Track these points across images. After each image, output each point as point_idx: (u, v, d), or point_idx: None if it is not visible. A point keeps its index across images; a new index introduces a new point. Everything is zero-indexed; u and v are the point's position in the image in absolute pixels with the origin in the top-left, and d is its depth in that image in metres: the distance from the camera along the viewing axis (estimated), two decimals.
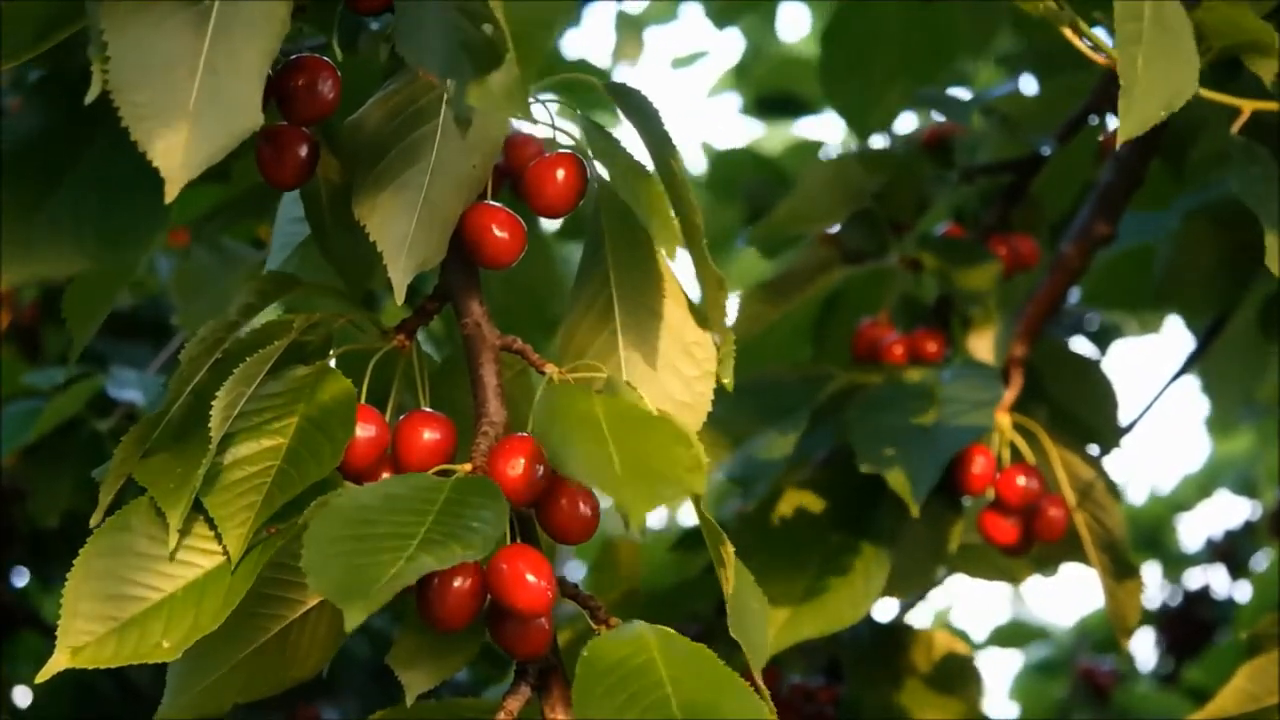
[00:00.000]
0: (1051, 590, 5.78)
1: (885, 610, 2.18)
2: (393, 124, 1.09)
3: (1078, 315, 2.87)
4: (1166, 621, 3.79)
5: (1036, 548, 1.78)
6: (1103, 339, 3.04)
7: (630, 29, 3.87)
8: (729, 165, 2.85)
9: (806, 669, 2.03)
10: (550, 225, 2.44)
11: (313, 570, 0.91)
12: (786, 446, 1.78)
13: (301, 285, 1.16)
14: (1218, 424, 4.24)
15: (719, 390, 1.14)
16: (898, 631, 2.00)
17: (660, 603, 2.04)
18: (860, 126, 2.45)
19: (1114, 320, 3.10)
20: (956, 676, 1.97)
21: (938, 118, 2.30)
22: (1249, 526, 3.93)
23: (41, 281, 1.03)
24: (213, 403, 1.02)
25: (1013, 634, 4.21)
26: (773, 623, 1.62)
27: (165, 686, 1.07)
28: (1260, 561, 3.84)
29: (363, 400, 1.07)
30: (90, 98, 0.90)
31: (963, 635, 3.94)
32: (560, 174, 1.13)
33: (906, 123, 2.75)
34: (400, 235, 1.06)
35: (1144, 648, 3.91)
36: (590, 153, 1.13)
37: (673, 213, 1.08)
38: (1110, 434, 1.99)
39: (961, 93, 2.47)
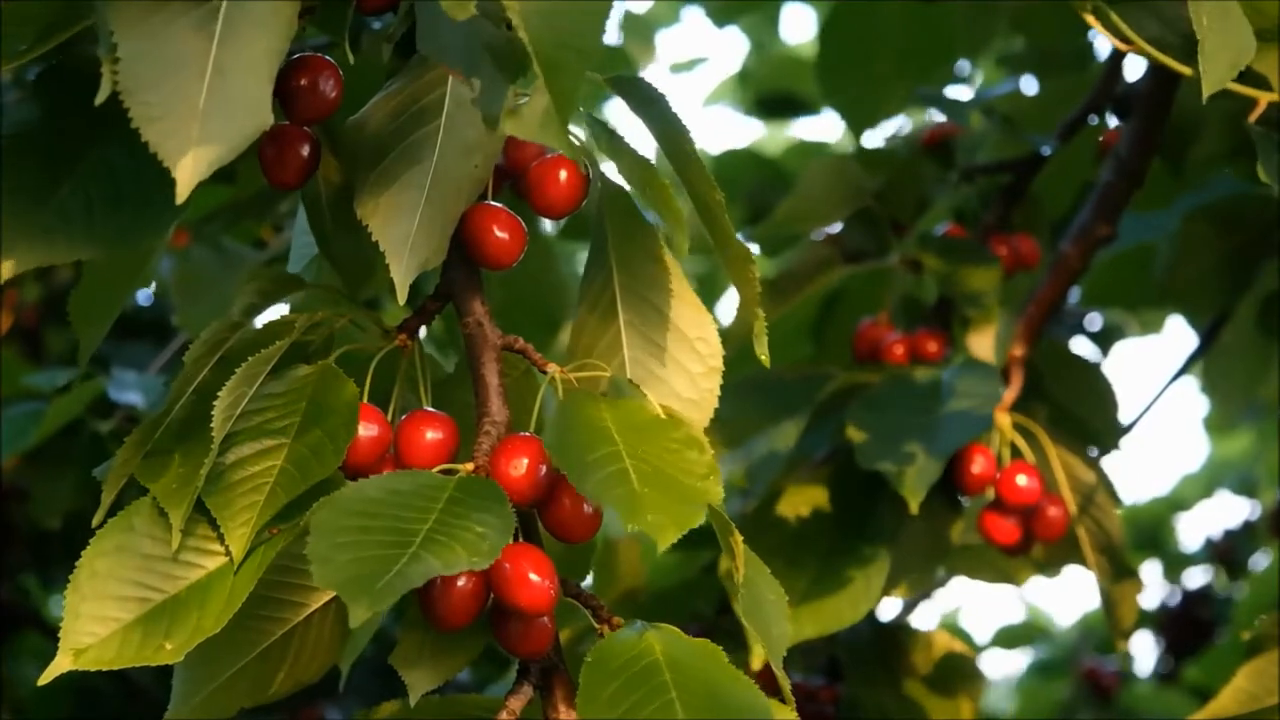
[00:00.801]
0: (1053, 589, 5.78)
1: (888, 610, 2.18)
2: (394, 124, 1.09)
3: (1079, 315, 2.87)
4: (1166, 621, 3.79)
5: (1036, 548, 1.79)
6: (1105, 340, 3.04)
7: (638, 32, 3.86)
8: (729, 165, 2.85)
9: (806, 669, 2.03)
10: (552, 226, 2.44)
11: (318, 560, 0.91)
12: (786, 445, 1.78)
13: (304, 285, 1.17)
14: (1217, 424, 4.24)
15: (720, 389, 1.14)
16: (898, 631, 2.00)
17: (662, 602, 2.05)
18: (860, 126, 2.45)
19: (1116, 321, 3.10)
20: (957, 676, 1.97)
21: (937, 117, 2.31)
22: (1248, 526, 3.93)
23: (48, 265, 1.02)
24: (215, 403, 1.02)
25: (1015, 635, 4.21)
26: (785, 615, 1.62)
27: (168, 687, 1.07)
28: (1260, 561, 3.84)
29: (365, 400, 1.07)
30: (100, 98, 0.90)
31: (965, 636, 3.94)
32: (562, 175, 1.13)
33: (906, 123, 2.76)
34: (402, 235, 1.06)
35: (1144, 648, 3.91)
36: (595, 151, 1.13)
37: (683, 205, 1.08)
38: (1110, 434, 1.99)
39: (961, 92, 2.47)
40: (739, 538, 1.04)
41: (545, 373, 1.10)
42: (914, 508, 1.58)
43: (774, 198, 2.26)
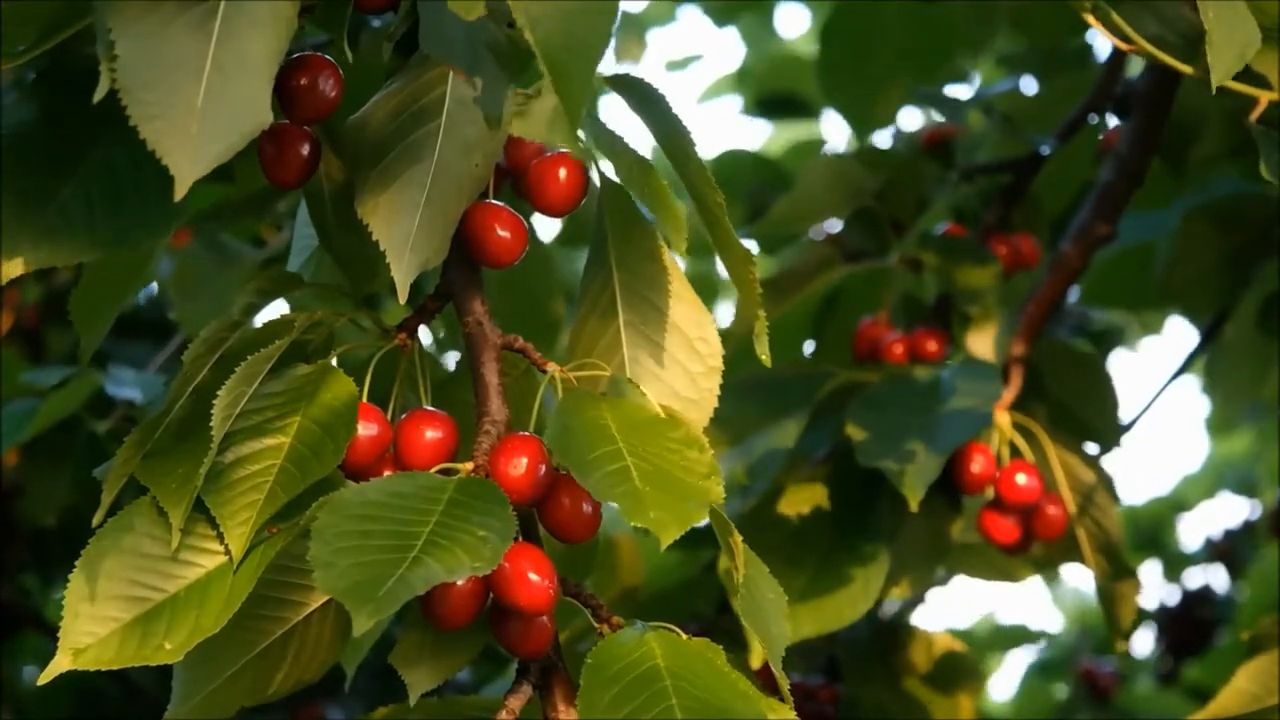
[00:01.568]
0: (1054, 590, 5.78)
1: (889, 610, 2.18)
2: (395, 123, 1.09)
3: (1080, 315, 2.87)
4: (1166, 621, 3.79)
5: (1035, 547, 1.79)
6: (1104, 343, 3.04)
7: (632, 29, 3.87)
8: (729, 165, 2.85)
9: (806, 668, 2.03)
10: (548, 234, 2.44)
11: (320, 565, 0.91)
12: (786, 444, 1.78)
13: (303, 284, 1.16)
14: (1218, 424, 4.24)
15: (720, 388, 1.14)
16: (897, 630, 2.00)
17: (662, 601, 2.05)
18: (860, 125, 2.45)
19: (1116, 325, 3.10)
20: (956, 675, 1.97)
21: (937, 117, 2.31)
22: (1249, 526, 3.93)
23: (50, 266, 1.02)
24: (214, 402, 1.02)
25: (1014, 635, 4.20)
26: (784, 614, 1.62)
27: (168, 687, 1.07)
28: (1260, 561, 3.84)
29: (364, 399, 1.07)
30: (98, 97, 0.90)
31: (965, 636, 3.94)
32: (562, 173, 1.13)
33: (906, 122, 2.76)
34: (403, 234, 1.06)
35: (1144, 647, 3.91)
36: (594, 150, 1.13)
37: (681, 205, 1.08)
38: (1110, 433, 1.99)
39: (961, 92, 2.47)
40: (739, 537, 1.04)
41: (545, 372, 1.10)
42: (914, 506, 1.58)
43: (774, 198, 2.26)
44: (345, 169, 1.15)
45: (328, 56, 1.09)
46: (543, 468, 1.03)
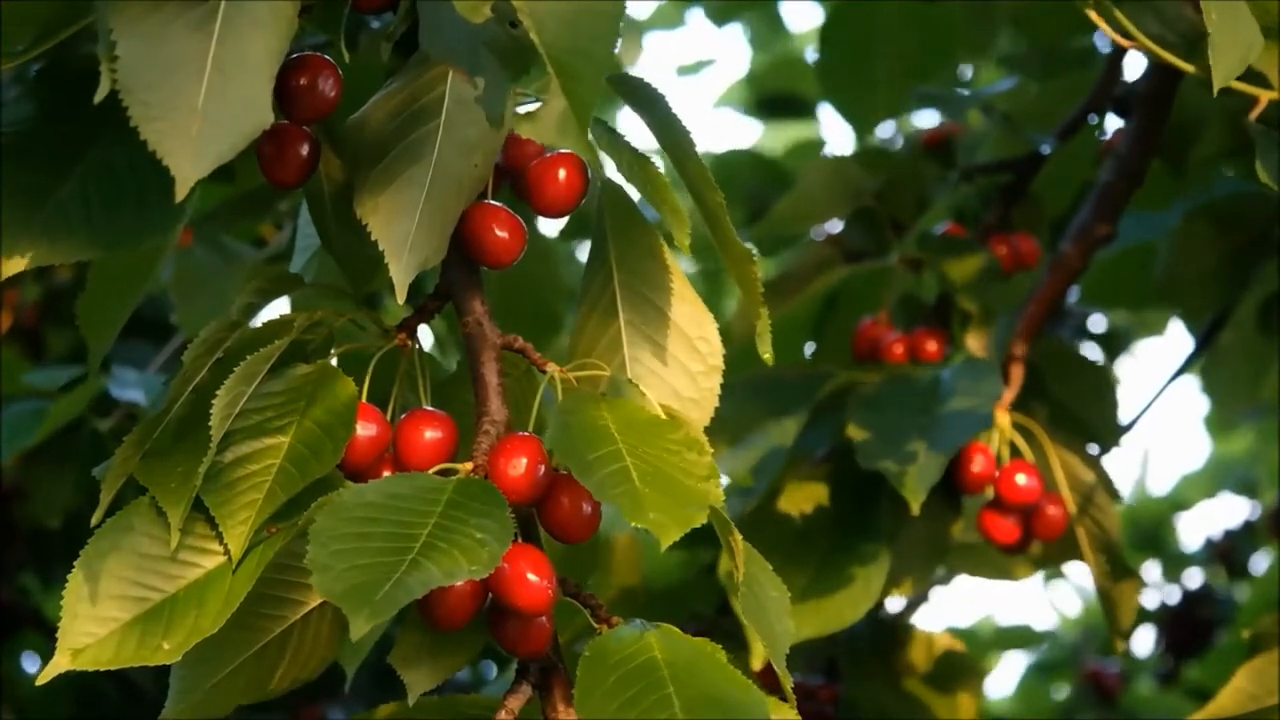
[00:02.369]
0: (1053, 590, 5.78)
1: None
2: (394, 123, 1.09)
3: (1082, 316, 2.87)
4: (1166, 621, 3.79)
5: (1035, 546, 1.79)
6: (1110, 344, 3.04)
7: (630, 33, 3.87)
8: (729, 165, 2.85)
9: (806, 668, 2.03)
10: (553, 226, 2.44)
11: (317, 569, 0.91)
12: (786, 444, 1.78)
13: (303, 284, 1.16)
14: (1218, 423, 4.24)
15: (721, 387, 1.14)
16: (897, 630, 2.00)
17: (661, 601, 2.05)
18: (860, 125, 2.45)
19: (1122, 327, 3.10)
20: (956, 675, 1.97)
21: (938, 117, 2.31)
22: (1249, 526, 3.93)
23: (48, 264, 1.02)
24: (213, 402, 1.02)
25: (1016, 637, 4.20)
26: (787, 613, 1.62)
27: (167, 687, 1.07)
28: (1260, 561, 3.84)
29: (364, 399, 1.07)
30: (99, 97, 0.90)
31: (967, 636, 3.94)
32: (561, 173, 1.13)
33: (906, 122, 2.76)
34: (402, 234, 1.06)
35: (1144, 648, 3.91)
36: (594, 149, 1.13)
37: (683, 203, 1.08)
38: (1110, 433, 1.99)
39: (961, 92, 2.47)
40: (739, 537, 1.04)
41: (545, 372, 1.10)
42: (915, 508, 1.58)
43: (774, 198, 2.26)
44: (345, 169, 1.15)
45: (327, 57, 1.09)
46: (542, 468, 1.03)
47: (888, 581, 1.69)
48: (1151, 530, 4.21)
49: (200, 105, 0.90)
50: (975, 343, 1.85)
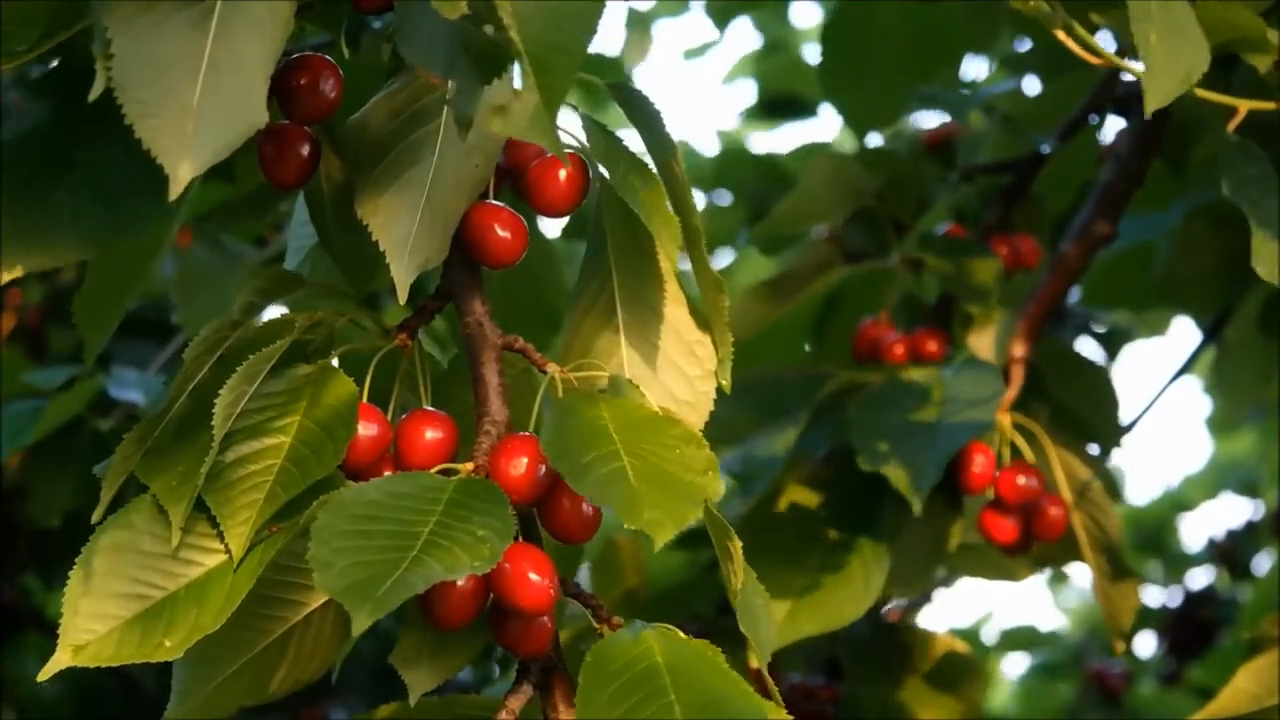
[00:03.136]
0: (1056, 590, 5.78)
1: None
2: (395, 123, 1.09)
3: (1084, 316, 2.87)
4: (1169, 622, 3.79)
5: (1036, 547, 1.79)
6: (1111, 343, 3.04)
7: (639, 26, 3.86)
8: (730, 165, 2.86)
9: (806, 668, 2.03)
10: (553, 226, 2.45)
11: (319, 565, 0.91)
12: (786, 444, 1.78)
13: (304, 284, 1.17)
14: (1220, 424, 4.24)
15: (720, 388, 1.14)
16: (898, 630, 2.00)
17: (662, 602, 2.05)
18: (860, 126, 2.45)
19: (1123, 324, 3.10)
20: (957, 676, 1.97)
21: (938, 117, 2.31)
22: (1251, 526, 3.93)
23: (45, 269, 1.02)
24: (215, 401, 1.02)
25: (1020, 638, 4.20)
26: (772, 620, 1.63)
27: (169, 687, 1.07)
28: (1262, 562, 3.85)
29: (365, 399, 1.07)
30: (94, 95, 0.90)
31: (970, 637, 3.94)
32: (562, 174, 1.13)
33: (907, 122, 2.76)
34: (403, 235, 1.06)
35: (1147, 648, 3.91)
36: (591, 152, 1.13)
37: (673, 213, 1.08)
38: (1111, 434, 1.99)
39: (961, 92, 2.47)
40: (737, 543, 1.04)
41: (545, 372, 1.10)
42: (916, 509, 1.58)
43: (775, 198, 2.26)
44: (345, 169, 1.15)
45: (328, 57, 1.09)
46: (543, 468, 1.03)
47: (888, 581, 1.69)
48: (1153, 531, 4.21)
49: (195, 103, 0.90)
50: (977, 343, 1.85)
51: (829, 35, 2.45)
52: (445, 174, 1.08)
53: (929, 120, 2.66)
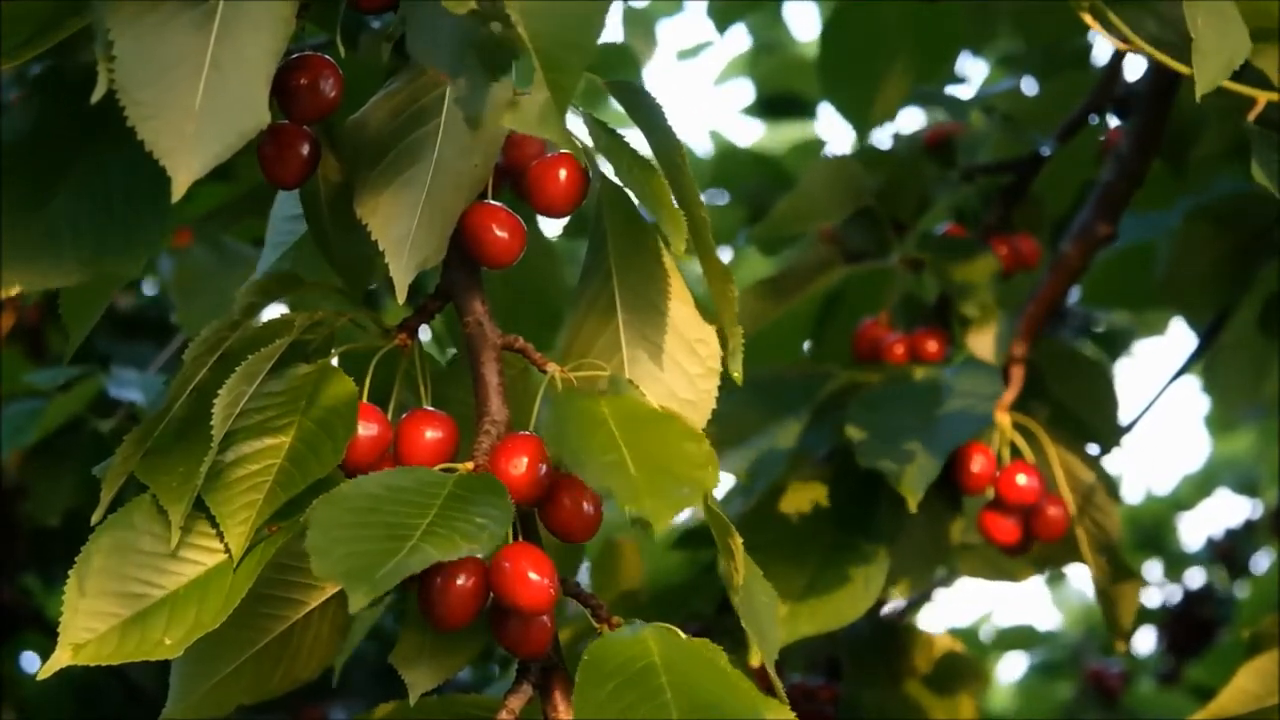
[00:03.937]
0: (1056, 590, 5.78)
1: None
2: (394, 123, 1.09)
3: (1084, 316, 2.87)
4: (1168, 621, 3.79)
5: (1036, 547, 1.79)
6: (1112, 344, 3.04)
7: (639, 25, 3.85)
8: (730, 165, 2.85)
9: (806, 668, 2.03)
10: (553, 226, 2.44)
11: (317, 553, 0.91)
12: (788, 443, 1.78)
13: (303, 284, 1.17)
14: (1218, 423, 4.24)
15: (720, 387, 1.14)
16: (898, 631, 2.00)
17: (662, 601, 2.05)
18: (860, 125, 2.45)
19: (1123, 327, 3.10)
20: (957, 676, 1.97)
21: (939, 117, 2.31)
22: (1250, 525, 3.93)
23: (46, 286, 1.02)
24: (214, 401, 1.02)
25: (1019, 637, 4.20)
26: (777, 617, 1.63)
27: (168, 687, 1.07)
28: (1261, 561, 3.85)
29: (364, 399, 1.07)
30: (96, 97, 0.90)
31: (968, 636, 3.94)
32: (562, 173, 1.13)
33: (907, 122, 2.76)
34: (402, 234, 1.06)
35: (1145, 647, 3.91)
36: (594, 150, 1.13)
37: (678, 208, 1.08)
38: (1110, 433, 1.99)
39: (962, 92, 2.47)
40: (738, 540, 1.04)
41: (545, 372, 1.10)
42: (913, 506, 1.58)
43: (775, 198, 2.26)
44: (342, 169, 1.15)
45: (327, 56, 1.09)
46: (543, 467, 1.03)
47: (888, 581, 1.69)
48: (1152, 530, 4.21)
49: (198, 105, 0.90)
50: (977, 343, 1.85)
51: (828, 34, 2.45)
52: (444, 174, 1.08)
53: (921, 119, 2.66)
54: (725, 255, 2.97)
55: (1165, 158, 1.99)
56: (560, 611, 1.08)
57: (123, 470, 1.05)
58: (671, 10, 3.90)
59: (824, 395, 1.79)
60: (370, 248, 1.06)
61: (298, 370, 1.08)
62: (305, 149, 1.10)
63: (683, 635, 1.00)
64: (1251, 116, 1.37)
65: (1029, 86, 2.41)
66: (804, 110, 3.30)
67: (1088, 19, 1.30)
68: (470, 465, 1.05)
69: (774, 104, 3.32)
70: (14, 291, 1.01)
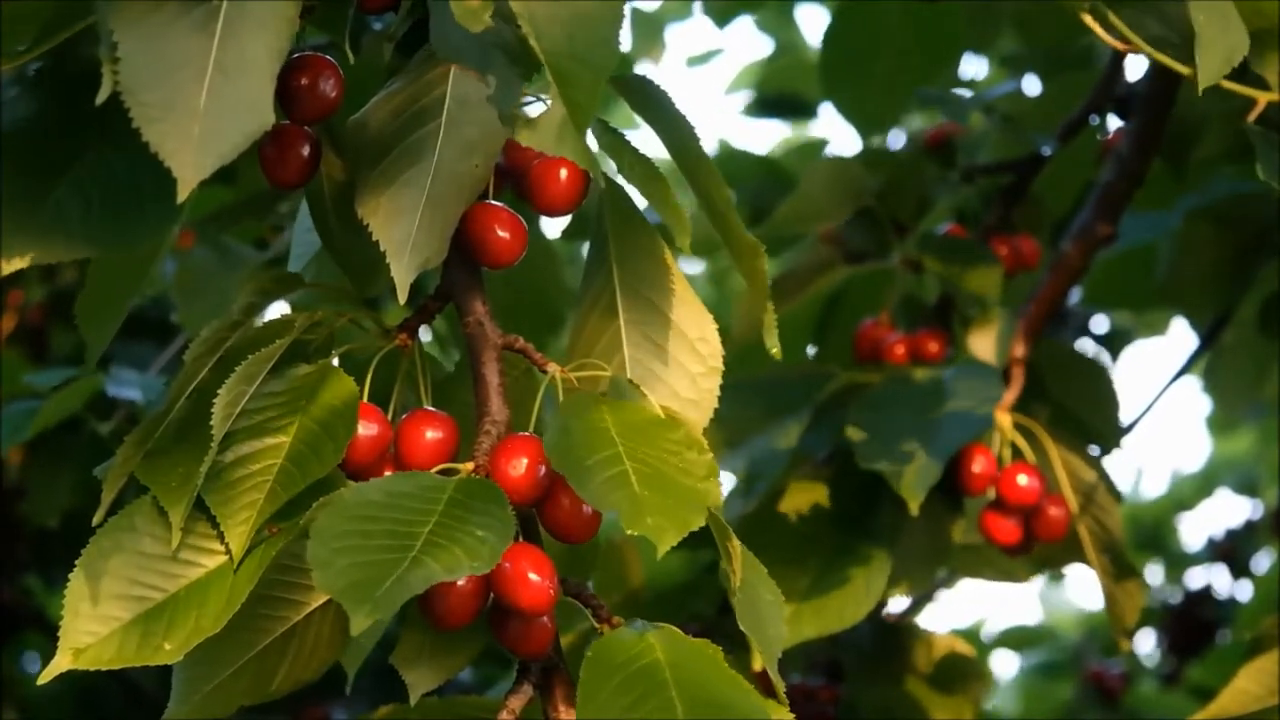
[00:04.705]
0: (1055, 590, 5.78)
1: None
2: (395, 123, 1.09)
3: (1084, 316, 2.87)
4: (1168, 621, 3.79)
5: (1037, 548, 1.79)
6: (1112, 343, 3.03)
7: (648, 28, 3.85)
8: (730, 165, 2.85)
9: (807, 669, 2.03)
10: (554, 226, 2.45)
11: (318, 565, 0.91)
12: (788, 444, 1.78)
13: (303, 284, 1.17)
14: (1219, 423, 4.24)
15: (721, 388, 1.14)
16: (899, 631, 2.00)
17: (662, 602, 2.05)
18: (862, 127, 2.45)
19: (1124, 325, 3.10)
20: (958, 676, 1.97)
21: (939, 118, 2.31)
22: (1250, 526, 3.93)
23: (45, 262, 1.02)
24: (214, 402, 1.02)
25: (1020, 637, 4.20)
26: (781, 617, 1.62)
27: (170, 688, 1.07)
28: (1262, 561, 3.84)
29: (365, 399, 1.07)
30: (101, 98, 0.90)
31: (969, 637, 3.94)
32: (563, 173, 1.13)
33: (908, 123, 2.76)
34: (403, 235, 1.06)
35: (1146, 648, 3.91)
36: (597, 149, 1.13)
37: (686, 204, 1.08)
38: (1111, 434, 1.99)
39: (962, 93, 2.47)
40: (737, 543, 1.04)
41: (546, 372, 1.10)
42: (914, 509, 1.58)
43: (776, 198, 2.26)
44: (346, 169, 1.15)
45: (329, 57, 1.09)
46: (543, 468, 1.03)
47: (889, 583, 1.69)
48: (1153, 530, 4.21)
49: (202, 106, 0.90)
50: (977, 344, 1.85)
51: (830, 35, 2.45)
52: (445, 174, 1.08)
53: (916, 122, 2.66)
54: (725, 256, 2.97)
55: (1166, 158, 1.99)
56: (566, 616, 1.08)
57: (123, 472, 1.05)
58: (681, 14, 3.89)
59: (824, 396, 1.79)
60: (375, 248, 1.06)
61: (298, 370, 1.08)
62: (306, 150, 1.10)
63: (685, 636, 1.00)
64: (1251, 118, 1.37)
65: (1030, 86, 2.40)
66: (805, 111, 3.30)
67: (1088, 20, 1.30)
68: (470, 466, 1.05)
69: (774, 104, 3.32)
70: (20, 266, 1.01)
